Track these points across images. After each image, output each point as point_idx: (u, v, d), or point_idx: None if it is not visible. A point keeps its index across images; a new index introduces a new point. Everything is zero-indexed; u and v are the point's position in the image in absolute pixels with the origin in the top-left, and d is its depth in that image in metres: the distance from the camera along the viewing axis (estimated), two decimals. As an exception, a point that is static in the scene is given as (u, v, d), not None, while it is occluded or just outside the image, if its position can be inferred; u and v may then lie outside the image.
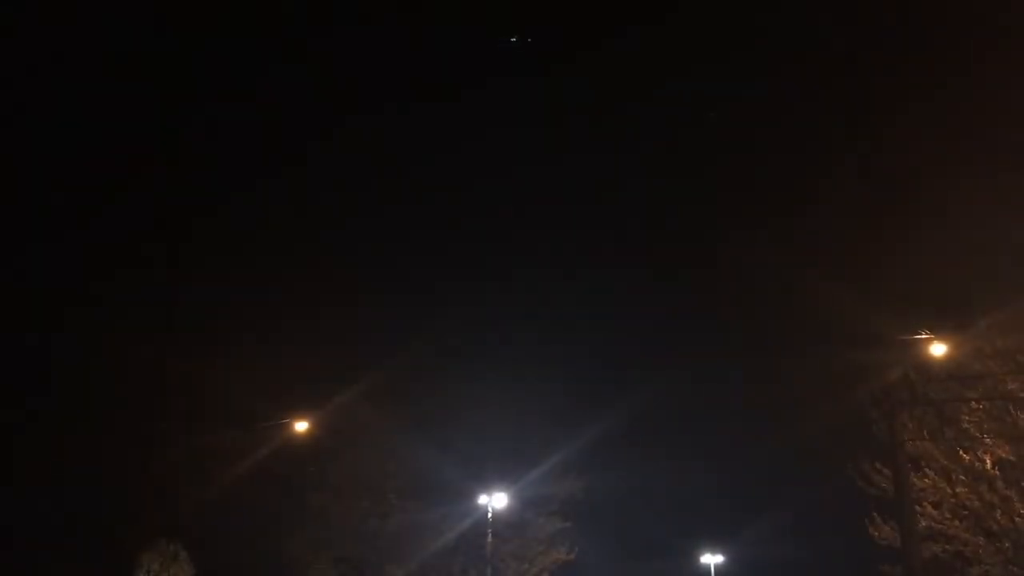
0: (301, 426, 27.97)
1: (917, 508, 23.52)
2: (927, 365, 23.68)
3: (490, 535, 32.92)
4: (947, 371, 24.44)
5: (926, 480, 24.96)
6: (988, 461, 24.26)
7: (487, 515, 33.30)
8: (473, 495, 33.17)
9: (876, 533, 26.15)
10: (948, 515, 24.79)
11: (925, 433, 25.32)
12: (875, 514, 26.28)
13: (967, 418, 24.47)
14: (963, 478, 24.51)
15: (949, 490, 24.68)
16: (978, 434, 24.27)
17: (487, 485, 33.10)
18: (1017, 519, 23.60)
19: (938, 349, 21.29)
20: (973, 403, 24.38)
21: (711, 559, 64.26)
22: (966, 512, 24.56)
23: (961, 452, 24.54)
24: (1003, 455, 24.09)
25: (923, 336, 21.10)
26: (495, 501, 33.50)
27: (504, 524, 33.24)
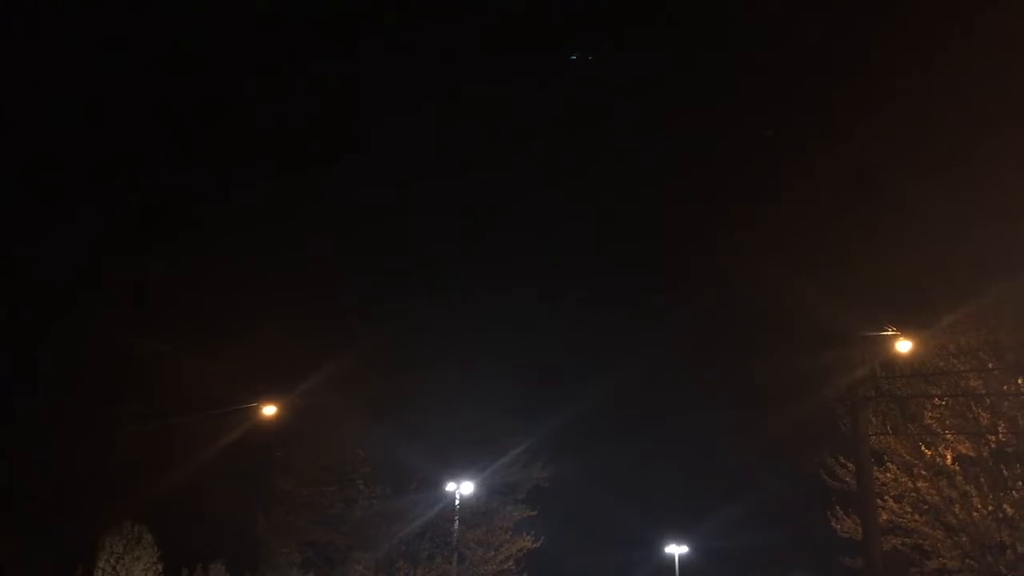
0: (268, 411, 27.77)
1: (879, 502, 23.85)
2: (892, 362, 23.98)
3: (457, 522, 33.03)
4: (911, 368, 24.78)
5: (888, 474, 25.32)
6: (949, 457, 24.64)
7: (454, 502, 33.42)
8: (440, 482, 33.25)
9: (838, 526, 26.51)
10: (908, 509, 25.16)
11: (889, 428, 25.70)
12: (837, 507, 26.65)
13: (930, 414, 24.82)
14: (924, 473, 24.88)
15: (910, 484, 25.05)
16: (940, 430, 24.63)
17: (454, 473, 33.21)
18: (975, 514, 23.99)
19: (903, 346, 21.51)
20: (936, 399, 24.74)
21: (676, 549, 64.82)
22: (926, 506, 24.94)
23: (923, 447, 24.89)
24: (963, 451, 24.47)
25: (888, 333, 21.32)
26: (462, 488, 33.64)
27: (471, 511, 33.36)
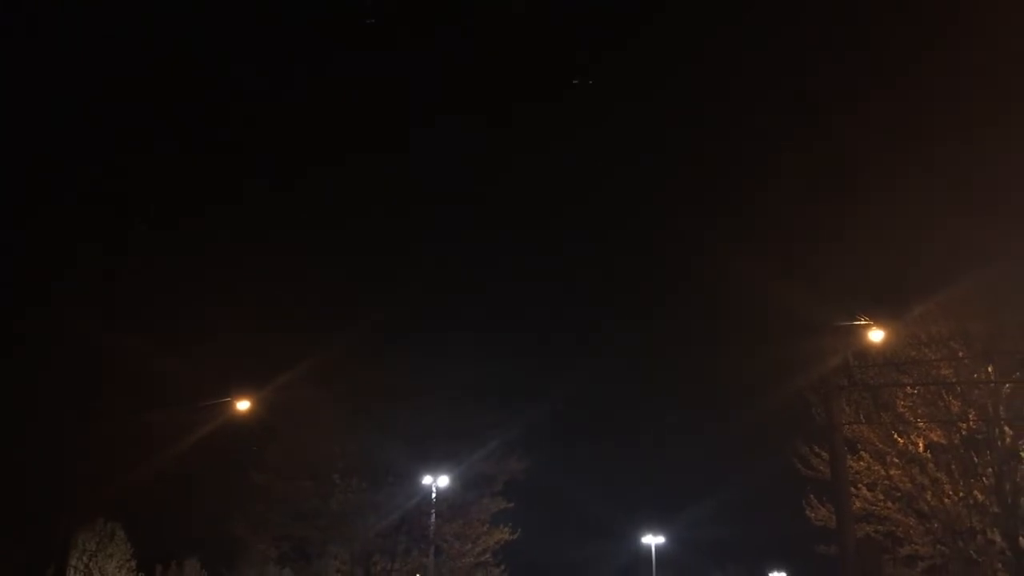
0: (243, 405, 27.54)
1: (852, 490, 24.06)
2: (865, 351, 24.17)
3: (433, 515, 32.98)
4: (884, 357, 24.99)
5: (861, 463, 25.53)
6: (920, 444, 24.89)
7: (430, 495, 33.36)
8: (416, 475, 33.17)
9: (812, 514, 26.74)
10: (882, 496, 25.40)
11: (861, 417, 25.90)
12: (811, 496, 26.88)
13: (902, 403, 25.05)
14: (896, 461, 25.12)
15: (883, 472, 25.27)
16: (912, 418, 24.86)
17: (430, 466, 33.13)
18: (947, 500, 24.26)
19: (876, 336, 21.69)
20: (908, 388, 24.97)
21: (652, 540, 65.20)
22: (898, 494, 25.18)
23: (895, 436, 25.12)
24: (935, 439, 24.73)
25: (861, 323, 21.48)
26: (438, 482, 33.59)
27: (448, 504, 33.32)
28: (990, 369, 24.34)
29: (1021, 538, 23.56)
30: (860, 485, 25.32)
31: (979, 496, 23.90)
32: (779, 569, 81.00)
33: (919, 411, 24.81)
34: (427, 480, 33.47)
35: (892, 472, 25.12)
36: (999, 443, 23.99)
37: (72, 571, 37.05)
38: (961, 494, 24.11)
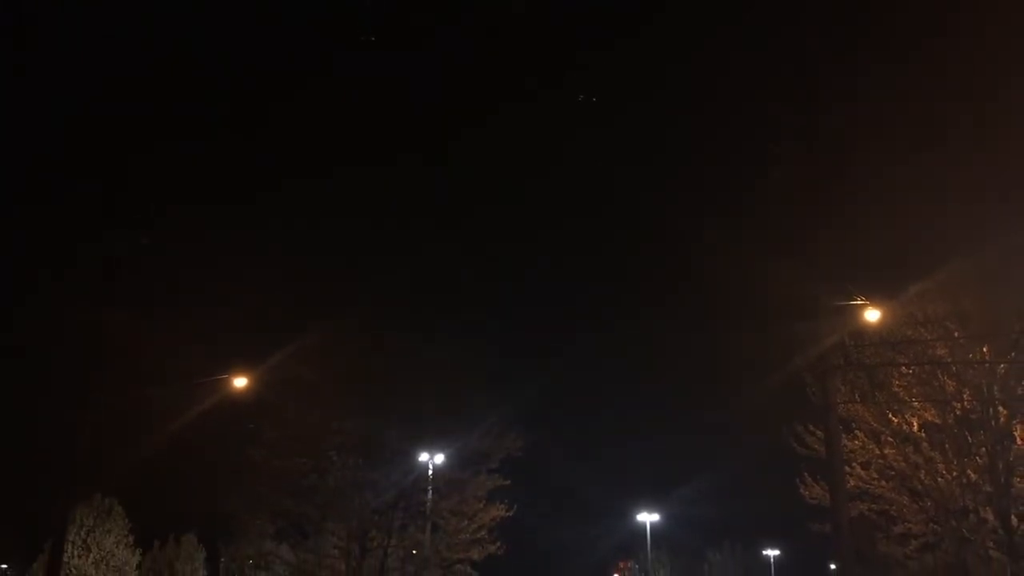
0: (240, 382, 27.57)
1: (847, 468, 24.20)
2: (861, 331, 24.23)
3: (430, 492, 33.09)
4: (880, 337, 25.07)
5: (856, 442, 25.69)
6: (915, 424, 25.04)
7: (427, 472, 33.47)
8: (413, 452, 33.25)
9: (806, 492, 26.91)
10: (876, 475, 25.58)
11: (857, 396, 26.03)
12: (805, 474, 27.04)
13: (897, 382, 25.18)
14: (891, 440, 25.28)
15: (877, 451, 25.44)
16: (907, 398, 24.99)
17: (427, 443, 33.21)
18: (940, 479, 24.44)
19: (872, 315, 21.72)
20: (903, 368, 25.08)
21: (647, 517, 65.60)
22: (893, 472, 25.36)
23: (890, 415, 25.26)
24: (929, 418, 24.87)
25: (857, 303, 21.50)
26: (435, 459, 33.68)
27: (444, 481, 33.40)
28: (985, 349, 24.45)
29: (1013, 516, 23.76)
30: (854, 464, 25.48)
31: (972, 475, 24.08)
32: (772, 546, 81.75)
33: (914, 391, 24.95)
34: (423, 457, 33.56)
35: (886, 451, 25.28)
36: (993, 423, 24.15)
37: (70, 546, 37.27)
38: (955, 473, 24.29)
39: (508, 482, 33.65)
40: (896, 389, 25.17)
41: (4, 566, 51.53)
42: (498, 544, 33.60)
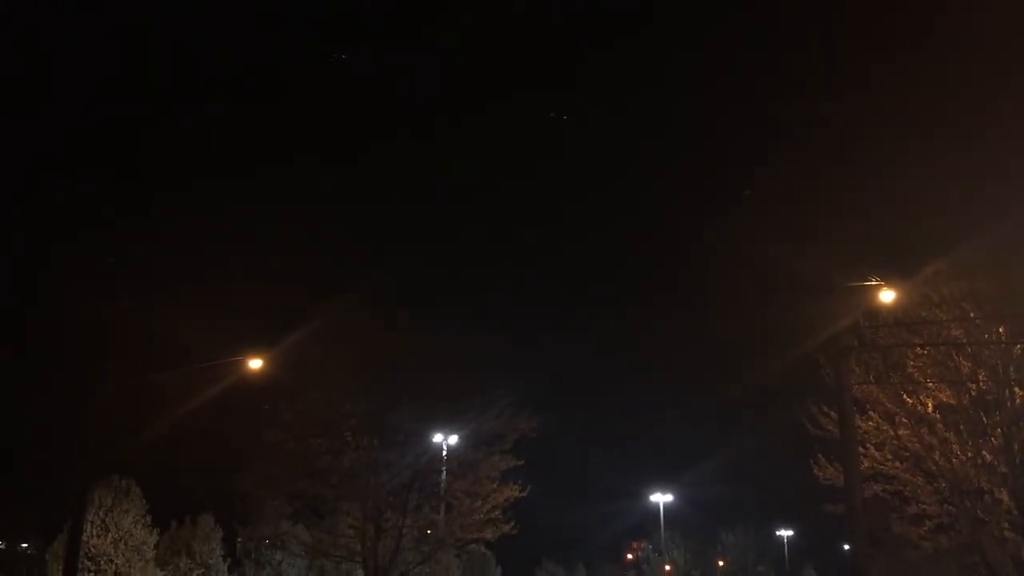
0: (255, 363, 27.76)
1: (860, 449, 24.18)
2: (875, 312, 24.16)
3: (444, 472, 33.26)
4: (894, 318, 24.99)
5: (870, 423, 25.63)
6: (930, 405, 24.96)
7: (441, 453, 33.62)
8: (427, 433, 33.40)
9: (820, 473, 26.90)
10: (890, 456, 25.54)
11: (871, 377, 25.96)
12: (819, 455, 27.02)
13: (912, 363, 25.09)
14: (905, 421, 25.21)
15: (892, 432, 25.39)
16: (921, 379, 24.91)
17: (441, 424, 33.35)
18: (955, 460, 24.39)
19: (887, 296, 21.67)
20: (918, 349, 24.99)
21: (660, 498, 65.76)
22: (907, 453, 25.31)
23: (905, 396, 25.19)
24: (944, 399, 24.79)
25: (872, 283, 21.44)
26: (449, 440, 33.84)
27: (458, 462, 33.56)
28: (1001, 330, 24.33)
29: (1028, 497, 23.71)
30: (868, 445, 25.44)
31: (987, 456, 24.02)
32: (786, 527, 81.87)
33: (929, 371, 24.86)
34: (438, 438, 33.72)
35: (901, 432, 25.23)
36: (1008, 404, 24.06)
37: (89, 526, 37.64)
38: (969, 454, 24.23)
39: (521, 462, 33.77)
40: (911, 370, 25.09)
41: (24, 544, 52.18)
42: (511, 524, 33.75)
